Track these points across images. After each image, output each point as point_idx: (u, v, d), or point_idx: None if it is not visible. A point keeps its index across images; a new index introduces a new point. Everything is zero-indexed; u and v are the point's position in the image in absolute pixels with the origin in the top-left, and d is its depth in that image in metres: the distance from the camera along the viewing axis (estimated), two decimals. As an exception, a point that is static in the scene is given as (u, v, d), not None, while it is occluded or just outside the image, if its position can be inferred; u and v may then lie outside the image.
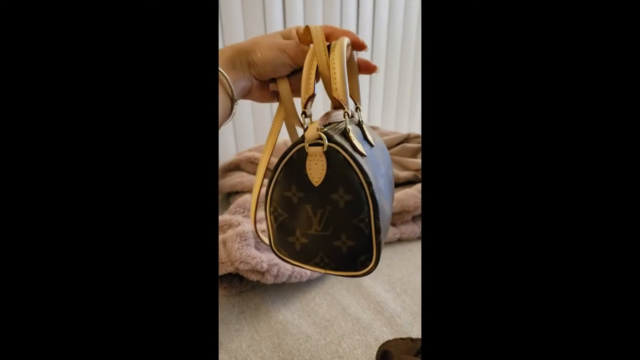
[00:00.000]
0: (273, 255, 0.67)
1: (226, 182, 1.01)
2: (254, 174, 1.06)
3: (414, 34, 1.67)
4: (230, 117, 0.37)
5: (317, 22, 1.39)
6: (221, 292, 0.68)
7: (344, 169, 0.30)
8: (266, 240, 0.37)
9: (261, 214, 0.79)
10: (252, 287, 0.71)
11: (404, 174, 1.04)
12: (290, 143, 0.34)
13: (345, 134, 0.32)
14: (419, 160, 1.07)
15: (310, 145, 0.30)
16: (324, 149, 0.30)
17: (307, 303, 0.67)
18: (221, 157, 1.23)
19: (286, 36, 0.38)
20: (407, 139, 1.22)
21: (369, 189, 0.30)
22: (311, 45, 0.35)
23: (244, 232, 0.67)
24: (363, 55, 1.66)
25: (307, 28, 0.36)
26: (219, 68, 0.34)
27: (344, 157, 0.30)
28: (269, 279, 0.64)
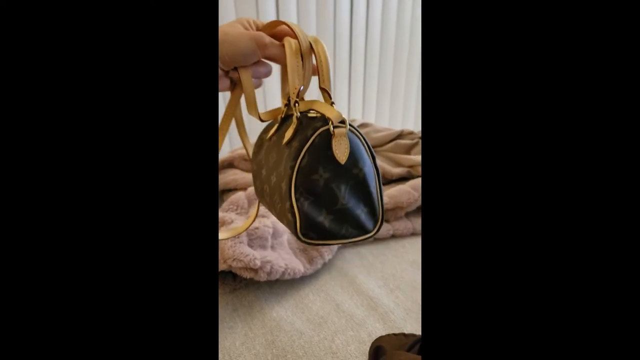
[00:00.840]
0: (266, 253, 0.68)
1: (220, 180, 1.01)
2: (248, 171, 1.05)
3: (407, 29, 1.67)
4: None
5: (311, 19, 1.38)
6: (215, 290, 0.68)
7: (358, 146, 0.34)
8: (225, 235, 0.39)
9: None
10: (245, 284, 0.71)
11: (397, 171, 1.04)
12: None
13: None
14: (412, 157, 1.07)
15: (334, 127, 0.33)
16: (347, 129, 0.33)
17: (300, 300, 0.67)
18: (215, 154, 1.23)
19: (245, 26, 0.38)
20: (400, 135, 1.22)
21: (374, 161, 0.35)
22: (289, 40, 0.37)
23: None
24: (358, 50, 1.65)
25: (272, 22, 0.38)
26: None
27: (357, 135, 0.34)
28: (262, 276, 0.64)
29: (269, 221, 0.74)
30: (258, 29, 0.39)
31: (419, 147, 1.14)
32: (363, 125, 1.36)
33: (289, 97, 0.38)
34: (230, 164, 1.09)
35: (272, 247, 0.73)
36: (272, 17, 1.27)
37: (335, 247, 0.77)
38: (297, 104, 0.36)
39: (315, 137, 0.33)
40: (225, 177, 1.01)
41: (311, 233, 0.35)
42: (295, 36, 0.37)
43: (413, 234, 0.87)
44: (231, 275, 0.69)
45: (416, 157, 1.06)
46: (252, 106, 0.41)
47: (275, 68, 0.43)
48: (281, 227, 0.76)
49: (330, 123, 0.33)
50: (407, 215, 0.89)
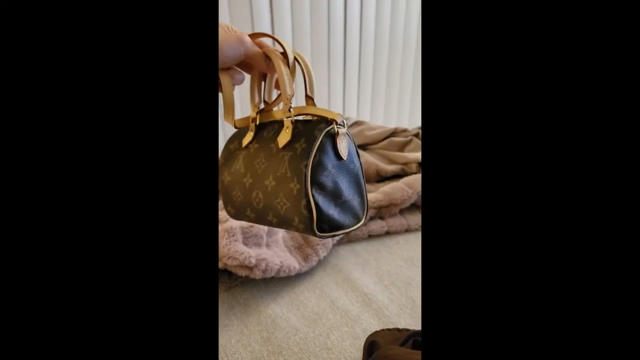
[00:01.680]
0: (261, 251, 0.68)
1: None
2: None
3: (402, 27, 1.67)
4: None
5: (305, 20, 1.38)
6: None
7: (351, 143, 0.39)
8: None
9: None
10: (241, 282, 0.71)
11: (392, 168, 1.04)
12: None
13: None
14: (406, 154, 1.08)
15: (338, 126, 0.37)
16: (346, 128, 0.38)
17: (296, 297, 0.68)
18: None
19: (225, 31, 0.39)
20: (394, 132, 1.22)
21: (359, 158, 0.40)
22: (275, 51, 0.39)
23: (231, 228, 0.67)
24: (352, 48, 1.64)
25: (253, 34, 0.40)
26: None
27: (349, 134, 0.39)
28: (258, 274, 0.65)
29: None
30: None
31: (413, 145, 1.14)
32: (357, 122, 1.36)
33: (263, 104, 0.42)
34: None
35: (267, 245, 0.73)
36: (265, 14, 1.27)
37: (330, 244, 0.77)
38: (291, 110, 0.39)
39: (323, 137, 0.36)
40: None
41: (325, 226, 0.38)
42: (281, 47, 0.39)
43: (407, 231, 0.88)
44: (226, 273, 0.70)
45: (410, 155, 1.07)
46: (229, 111, 0.41)
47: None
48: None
49: (334, 123, 0.36)
50: (401, 212, 0.90)
